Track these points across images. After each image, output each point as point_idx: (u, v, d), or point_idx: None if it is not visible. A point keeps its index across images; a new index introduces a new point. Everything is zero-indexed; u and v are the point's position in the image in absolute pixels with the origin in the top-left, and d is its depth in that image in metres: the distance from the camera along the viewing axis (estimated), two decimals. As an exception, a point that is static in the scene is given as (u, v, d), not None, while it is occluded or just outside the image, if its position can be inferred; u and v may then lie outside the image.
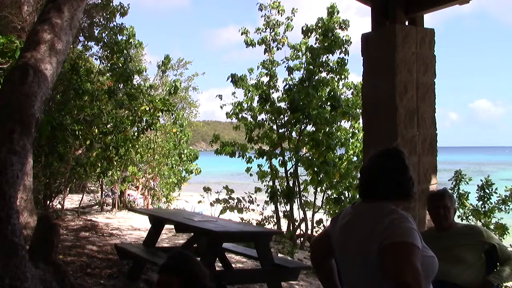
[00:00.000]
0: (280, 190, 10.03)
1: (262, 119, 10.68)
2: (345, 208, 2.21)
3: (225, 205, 10.57)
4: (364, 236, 1.95)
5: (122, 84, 10.60)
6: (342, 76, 10.12)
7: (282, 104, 10.30)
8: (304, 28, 10.28)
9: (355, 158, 9.87)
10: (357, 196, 2.23)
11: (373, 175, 2.07)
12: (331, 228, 2.22)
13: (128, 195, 14.47)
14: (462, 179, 7.21)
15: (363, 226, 1.97)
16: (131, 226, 9.97)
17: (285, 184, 10.10)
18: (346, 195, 9.47)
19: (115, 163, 11.23)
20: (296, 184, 10.00)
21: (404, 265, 1.74)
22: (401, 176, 2.03)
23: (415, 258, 1.76)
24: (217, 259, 5.45)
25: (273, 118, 10.41)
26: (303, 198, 10.05)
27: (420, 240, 1.87)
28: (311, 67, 9.94)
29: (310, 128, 9.99)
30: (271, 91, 10.55)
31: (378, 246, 1.86)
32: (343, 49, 9.89)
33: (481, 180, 7.16)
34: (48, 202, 10.39)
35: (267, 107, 10.35)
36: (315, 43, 10.15)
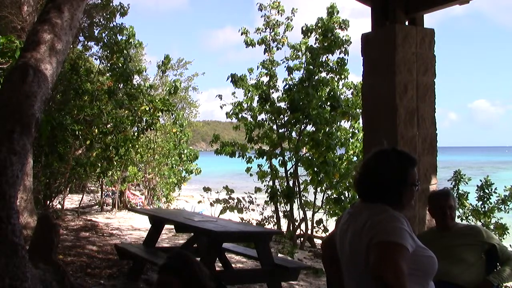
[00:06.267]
0: (280, 190, 10.01)
1: (262, 119, 10.67)
2: (348, 208, 2.22)
3: (225, 205, 10.57)
4: (355, 236, 1.95)
5: (122, 84, 10.59)
6: (342, 76, 10.11)
7: (282, 104, 10.29)
8: (304, 28, 10.27)
9: (355, 158, 9.86)
10: (357, 196, 2.21)
11: (368, 176, 2.07)
12: (335, 229, 2.22)
13: (133, 194, 14.49)
14: (462, 179, 7.21)
15: (356, 225, 1.97)
16: (131, 226, 9.97)
17: (285, 184, 10.10)
18: (346, 195, 9.45)
19: (115, 163, 11.23)
20: (296, 184, 9.99)
21: (386, 263, 1.70)
22: (391, 181, 2.01)
23: (399, 257, 1.73)
24: (217, 259, 5.45)
25: (273, 118, 10.40)
26: (303, 198, 10.03)
27: (413, 240, 1.85)
28: (311, 67, 9.93)
29: (310, 128, 9.98)
30: (271, 91, 10.55)
31: (365, 245, 1.85)
32: (343, 49, 9.89)
33: (481, 180, 7.16)
34: (48, 202, 10.39)
35: (267, 107, 10.34)
36: (315, 43, 10.14)
